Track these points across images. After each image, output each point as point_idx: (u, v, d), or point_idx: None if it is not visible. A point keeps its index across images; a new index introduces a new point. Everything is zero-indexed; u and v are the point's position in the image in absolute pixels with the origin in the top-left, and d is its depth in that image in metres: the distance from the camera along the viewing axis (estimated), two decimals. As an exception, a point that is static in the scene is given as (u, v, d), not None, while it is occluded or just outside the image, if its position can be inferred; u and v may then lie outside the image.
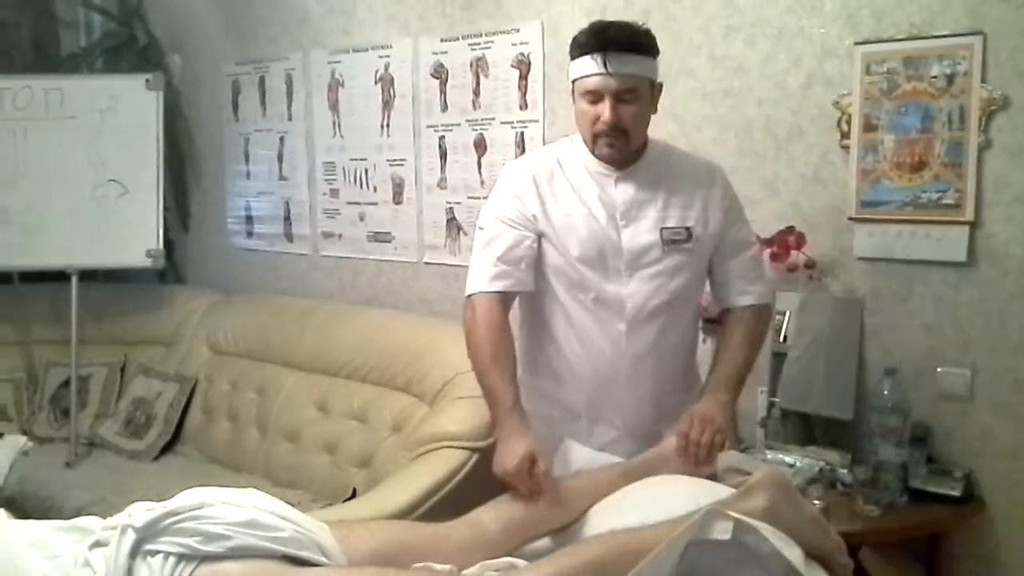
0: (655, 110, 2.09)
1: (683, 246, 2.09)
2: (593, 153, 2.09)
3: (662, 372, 2.16)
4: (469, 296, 2.12)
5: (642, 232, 2.08)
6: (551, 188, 2.12)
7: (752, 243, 2.24)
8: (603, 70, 1.96)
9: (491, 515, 1.83)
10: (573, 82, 2.05)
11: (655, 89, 2.06)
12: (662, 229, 2.08)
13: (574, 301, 2.11)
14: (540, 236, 2.11)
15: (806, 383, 2.60)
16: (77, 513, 2.46)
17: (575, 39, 2.05)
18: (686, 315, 2.18)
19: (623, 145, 2.04)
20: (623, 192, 2.09)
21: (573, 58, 2.04)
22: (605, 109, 1.99)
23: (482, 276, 2.10)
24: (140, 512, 1.50)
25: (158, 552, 1.45)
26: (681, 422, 2.02)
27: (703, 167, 2.21)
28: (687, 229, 2.09)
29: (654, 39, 2.05)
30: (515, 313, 2.20)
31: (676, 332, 2.15)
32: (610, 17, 2.95)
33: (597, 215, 2.07)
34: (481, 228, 2.17)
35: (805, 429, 2.63)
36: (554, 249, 2.10)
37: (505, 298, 2.10)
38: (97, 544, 1.50)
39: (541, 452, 1.91)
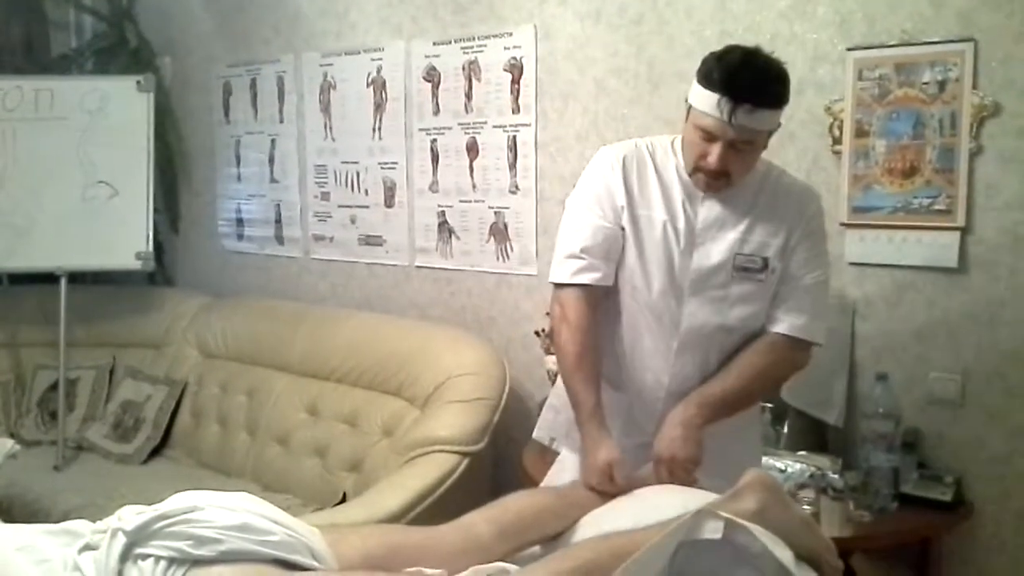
0: (767, 146, 1.94)
1: (755, 275, 1.95)
2: (691, 176, 1.96)
3: None
4: (556, 287, 2.03)
5: (715, 253, 1.95)
6: (640, 184, 2.00)
7: (812, 274, 1.99)
8: (726, 119, 1.80)
9: (485, 520, 1.82)
10: (689, 105, 1.90)
11: (772, 132, 1.91)
12: (736, 254, 1.94)
13: (634, 305, 2.02)
14: (622, 230, 1.99)
15: (796, 388, 2.60)
16: (65, 517, 2.45)
17: (706, 65, 1.86)
18: (740, 345, 2.01)
19: (722, 186, 1.92)
20: (708, 209, 1.96)
21: (699, 81, 1.87)
22: (714, 153, 1.85)
23: (567, 266, 2.00)
24: (130, 516, 1.49)
25: (149, 556, 1.44)
26: (652, 461, 1.96)
27: (797, 194, 2.02)
28: (764, 259, 1.95)
29: (787, 86, 1.88)
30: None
31: (726, 359, 2.01)
32: (604, 22, 2.99)
33: (677, 225, 1.96)
34: (568, 210, 2.06)
35: (797, 434, 2.64)
36: (629, 248, 1.99)
37: (592, 293, 2.00)
38: (87, 548, 1.48)
39: (619, 460, 1.89)
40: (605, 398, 2.04)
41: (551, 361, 2.79)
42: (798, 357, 2.02)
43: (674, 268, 1.97)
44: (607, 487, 1.88)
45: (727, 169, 1.88)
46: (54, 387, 3.80)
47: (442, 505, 2.57)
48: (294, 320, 3.62)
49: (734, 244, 1.95)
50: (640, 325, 2.02)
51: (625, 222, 1.99)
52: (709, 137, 1.85)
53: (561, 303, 2.01)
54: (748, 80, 1.81)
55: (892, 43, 2.50)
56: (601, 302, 2.03)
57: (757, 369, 1.98)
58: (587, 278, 1.98)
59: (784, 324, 1.97)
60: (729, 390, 1.97)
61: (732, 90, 1.79)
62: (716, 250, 1.95)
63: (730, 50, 1.88)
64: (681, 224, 1.96)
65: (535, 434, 2.32)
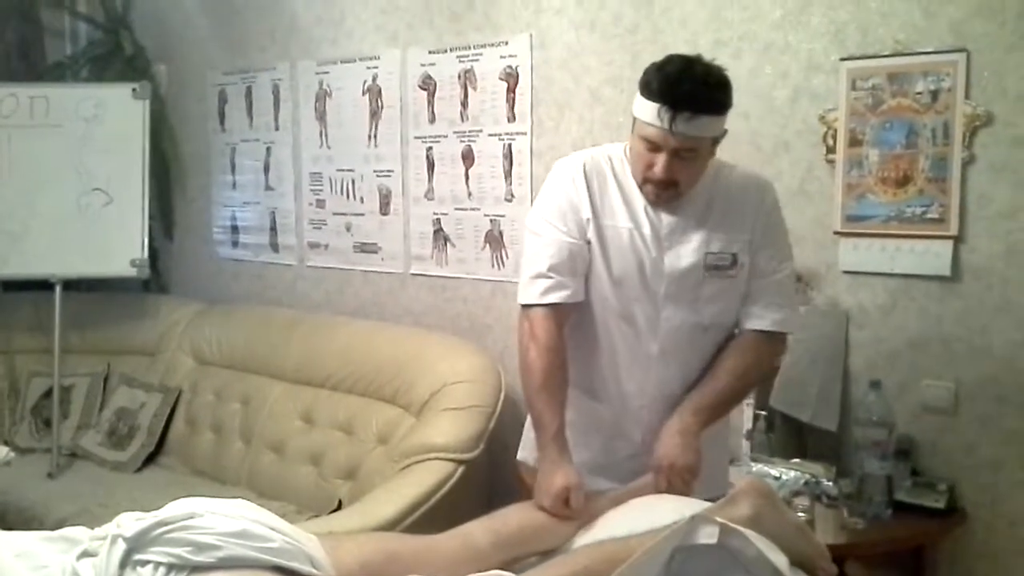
0: (714, 153, 1.97)
1: (726, 272, 1.98)
2: (641, 189, 1.98)
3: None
4: (524, 307, 2.02)
5: (685, 255, 1.97)
6: (602, 194, 2.01)
7: (781, 268, 2.04)
8: (666, 127, 1.83)
9: (483, 530, 1.83)
10: (634, 116, 1.92)
11: (718, 139, 1.94)
12: (706, 254, 1.97)
13: (607, 316, 2.02)
14: (588, 243, 2.00)
15: (792, 397, 2.61)
16: (59, 524, 2.45)
17: (646, 76, 1.88)
18: (719, 341, 2.05)
19: (672, 196, 1.94)
20: (670, 212, 1.98)
21: (640, 92, 1.89)
22: (659, 163, 1.88)
23: (535, 286, 1.99)
24: (130, 522, 1.49)
25: (148, 562, 1.44)
26: (651, 467, 1.95)
27: (752, 186, 2.06)
28: (733, 255, 1.98)
29: (729, 92, 1.89)
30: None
31: (707, 358, 2.04)
32: (599, 31, 3.01)
33: (643, 231, 1.97)
34: (532, 228, 2.05)
35: (791, 442, 2.65)
36: (596, 260, 2.00)
37: (560, 312, 1.99)
38: (85, 554, 1.48)
39: (577, 484, 1.89)
40: (587, 412, 2.07)
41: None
42: (778, 348, 2.12)
43: (646, 275, 1.98)
44: (560, 511, 1.88)
45: (675, 178, 1.90)
46: (48, 394, 3.79)
47: (438, 512, 2.57)
48: (289, 327, 3.62)
49: (702, 244, 1.97)
50: (615, 335, 2.03)
51: (591, 235, 1.99)
52: (653, 147, 1.88)
53: (530, 321, 2.00)
54: (687, 87, 1.82)
55: (885, 53, 2.52)
56: (571, 316, 2.03)
57: (743, 367, 2.02)
58: (556, 297, 1.98)
59: (765, 321, 2.01)
60: (720, 392, 2.00)
61: (670, 98, 1.82)
62: (686, 252, 1.97)
63: (669, 60, 1.90)
64: (647, 230, 1.98)
65: (519, 455, 2.28)
